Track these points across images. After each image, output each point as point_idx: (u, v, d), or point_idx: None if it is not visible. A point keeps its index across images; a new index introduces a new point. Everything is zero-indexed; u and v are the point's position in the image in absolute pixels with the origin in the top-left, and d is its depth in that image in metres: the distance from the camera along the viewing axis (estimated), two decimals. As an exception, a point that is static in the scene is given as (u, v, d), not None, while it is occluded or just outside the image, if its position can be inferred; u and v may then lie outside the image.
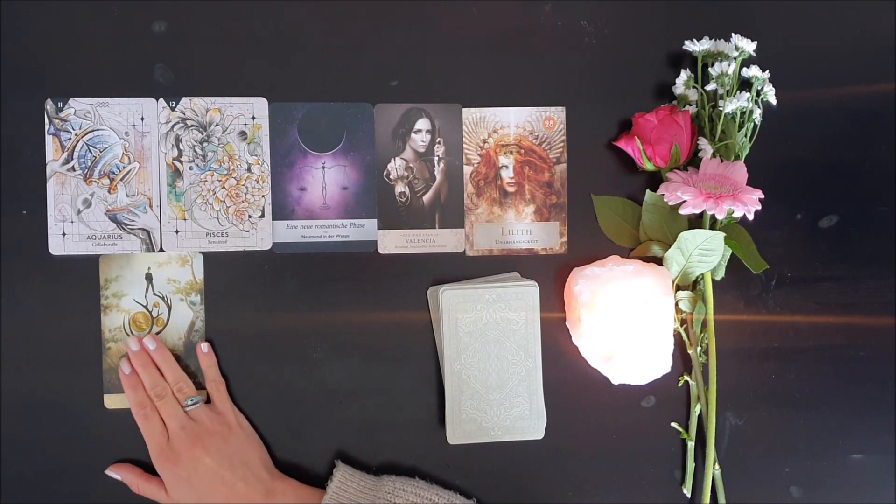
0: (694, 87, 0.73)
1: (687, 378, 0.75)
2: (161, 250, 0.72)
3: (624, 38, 0.75)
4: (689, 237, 0.69)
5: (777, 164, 0.76)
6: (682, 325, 0.74)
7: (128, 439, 0.71)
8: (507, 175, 0.75)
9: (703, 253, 0.70)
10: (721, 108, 0.71)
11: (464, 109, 0.74)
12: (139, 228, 0.71)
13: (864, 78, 0.77)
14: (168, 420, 0.68)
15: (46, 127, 0.71)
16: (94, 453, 0.71)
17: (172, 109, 0.72)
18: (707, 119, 0.73)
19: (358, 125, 0.73)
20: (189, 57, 0.72)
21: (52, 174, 0.71)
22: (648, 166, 0.73)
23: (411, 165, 0.74)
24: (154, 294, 0.72)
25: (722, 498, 0.75)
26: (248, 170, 0.73)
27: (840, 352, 0.77)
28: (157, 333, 0.72)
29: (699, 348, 0.74)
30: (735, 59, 0.71)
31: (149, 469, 0.70)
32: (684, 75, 0.72)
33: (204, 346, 0.71)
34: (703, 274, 0.72)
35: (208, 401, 0.71)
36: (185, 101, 0.72)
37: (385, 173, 0.74)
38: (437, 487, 0.71)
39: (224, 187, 0.72)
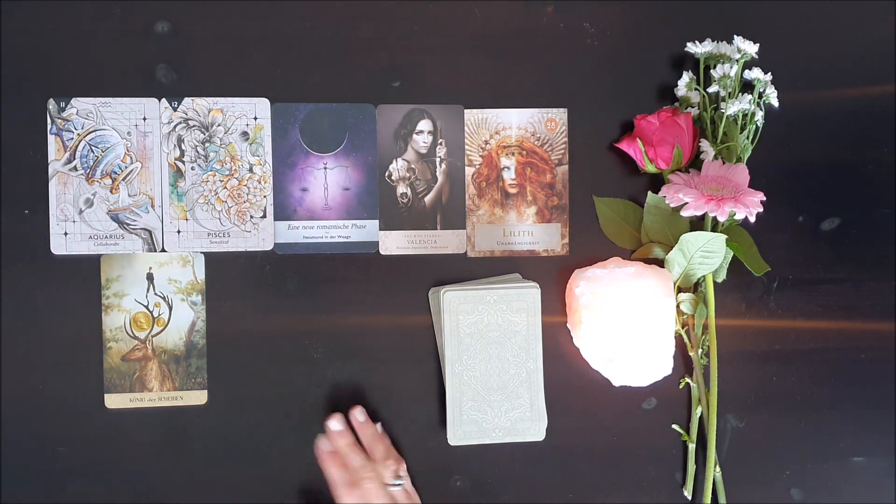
0: (696, 89, 0.73)
1: (688, 380, 0.75)
2: (163, 250, 0.72)
3: (626, 40, 0.75)
4: (690, 239, 0.69)
5: (779, 166, 0.76)
6: (683, 328, 0.74)
7: (128, 439, 0.71)
8: (509, 176, 0.75)
9: (705, 255, 0.70)
10: (723, 110, 0.71)
11: (466, 111, 0.74)
12: (141, 228, 0.71)
13: (866, 80, 0.77)
14: (375, 496, 0.66)
15: (49, 126, 0.71)
16: (94, 453, 0.71)
17: (175, 110, 0.72)
18: (709, 121, 0.73)
19: (360, 126, 0.73)
20: (191, 57, 0.72)
21: (55, 174, 0.71)
22: (650, 168, 0.73)
23: (413, 166, 0.74)
24: (155, 294, 0.72)
25: (723, 500, 0.75)
26: (250, 170, 0.73)
27: (841, 354, 0.77)
28: (158, 334, 0.72)
29: (700, 350, 0.74)
30: (737, 61, 0.71)
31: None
32: (686, 77, 0.73)
33: (378, 427, 0.71)
34: (704, 276, 0.72)
35: None
36: (187, 101, 0.72)
37: (387, 174, 0.74)
38: None
39: (226, 187, 0.72)
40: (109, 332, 0.71)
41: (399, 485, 0.68)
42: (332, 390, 0.73)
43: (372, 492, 0.66)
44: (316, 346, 0.73)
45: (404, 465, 0.70)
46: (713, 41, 0.72)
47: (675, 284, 0.72)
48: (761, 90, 0.72)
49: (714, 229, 0.72)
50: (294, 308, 0.73)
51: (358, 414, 0.70)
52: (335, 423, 0.69)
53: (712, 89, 0.72)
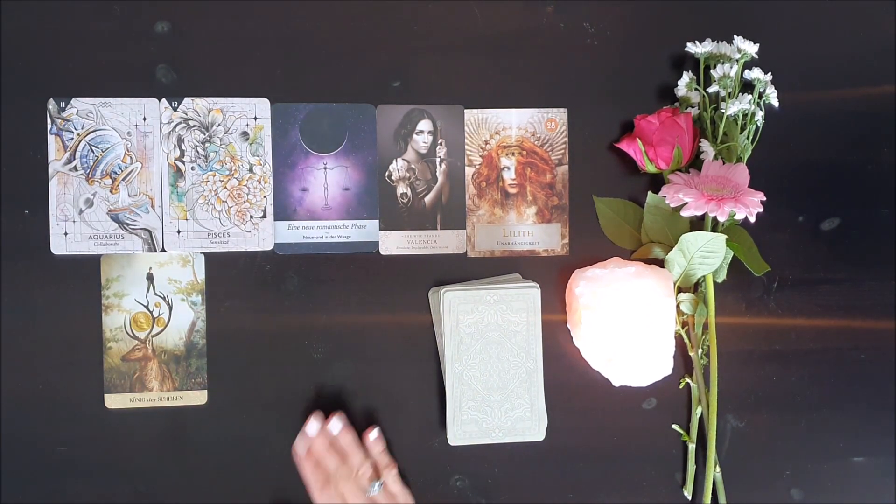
0: (696, 89, 0.73)
1: (688, 380, 0.75)
2: (163, 250, 0.72)
3: (626, 40, 0.75)
4: (690, 239, 0.69)
5: (779, 166, 0.76)
6: (683, 328, 0.74)
7: (128, 439, 0.71)
8: (509, 176, 0.75)
9: (705, 255, 0.70)
10: (723, 111, 0.71)
11: (466, 111, 0.74)
12: (141, 228, 0.71)
13: (866, 80, 0.77)
14: (349, 497, 0.68)
15: (49, 126, 0.71)
16: (94, 453, 0.71)
17: (175, 110, 0.72)
18: (709, 121, 0.73)
19: (360, 126, 0.73)
20: (192, 57, 0.72)
21: (55, 174, 0.71)
22: (650, 168, 0.73)
23: (413, 166, 0.74)
24: (155, 294, 0.72)
25: (723, 500, 0.75)
26: (250, 170, 0.73)
27: (841, 354, 0.77)
28: (158, 334, 0.72)
29: (700, 350, 0.74)
30: (737, 61, 0.71)
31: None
32: (686, 77, 0.73)
33: (372, 434, 0.71)
34: (704, 276, 0.72)
35: None
36: (187, 101, 0.72)
37: (387, 174, 0.74)
38: None
39: (226, 187, 0.72)
40: (109, 332, 0.71)
41: (378, 486, 0.69)
42: (333, 390, 0.73)
43: (346, 494, 0.68)
44: (316, 346, 0.73)
45: (395, 470, 0.70)
46: (713, 41, 0.72)
47: (675, 284, 0.72)
48: (761, 90, 0.72)
49: (714, 229, 0.72)
50: (294, 308, 0.73)
51: (333, 425, 0.70)
52: (312, 428, 0.70)
53: (712, 89, 0.72)
